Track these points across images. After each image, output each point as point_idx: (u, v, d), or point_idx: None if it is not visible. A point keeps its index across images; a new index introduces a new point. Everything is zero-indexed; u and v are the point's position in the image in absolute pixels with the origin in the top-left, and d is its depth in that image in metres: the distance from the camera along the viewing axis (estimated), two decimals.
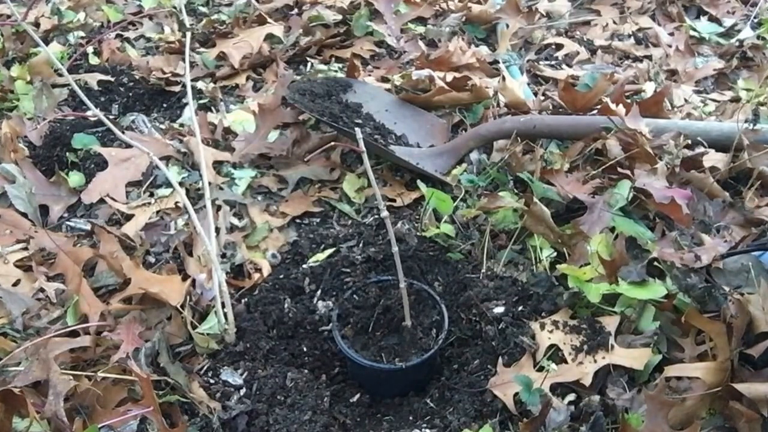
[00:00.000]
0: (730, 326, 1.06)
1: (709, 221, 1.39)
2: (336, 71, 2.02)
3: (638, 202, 1.38)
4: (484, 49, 2.10)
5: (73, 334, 1.18)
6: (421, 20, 2.29)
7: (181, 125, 1.81)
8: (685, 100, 1.89)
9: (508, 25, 2.19)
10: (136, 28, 2.32)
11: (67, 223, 1.53)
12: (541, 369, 1.11)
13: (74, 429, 1.03)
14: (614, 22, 2.33)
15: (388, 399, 1.20)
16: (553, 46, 2.20)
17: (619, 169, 1.42)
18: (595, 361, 1.11)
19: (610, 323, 1.16)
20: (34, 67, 1.97)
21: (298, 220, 1.54)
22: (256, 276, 1.37)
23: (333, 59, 2.10)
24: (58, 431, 1.02)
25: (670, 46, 2.19)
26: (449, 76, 1.82)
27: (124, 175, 1.59)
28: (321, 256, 1.40)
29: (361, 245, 1.44)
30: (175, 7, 2.36)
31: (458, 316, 1.26)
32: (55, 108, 1.85)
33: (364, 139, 1.14)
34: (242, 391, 1.15)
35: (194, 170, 1.62)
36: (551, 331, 1.17)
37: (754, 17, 2.32)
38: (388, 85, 1.89)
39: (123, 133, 1.60)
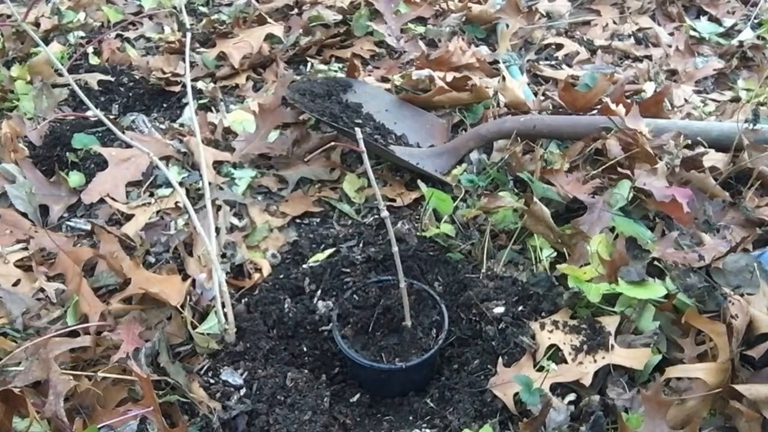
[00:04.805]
0: (730, 326, 1.06)
1: (710, 221, 1.39)
2: (336, 71, 2.02)
3: (638, 202, 1.38)
4: (484, 49, 2.10)
5: (73, 334, 1.18)
6: (421, 20, 2.30)
7: (181, 125, 1.81)
8: (685, 100, 1.89)
9: (508, 25, 2.19)
10: (136, 28, 2.32)
11: (67, 223, 1.53)
12: (541, 369, 1.11)
13: (74, 429, 1.03)
14: (614, 22, 2.34)
15: (388, 399, 1.21)
16: (553, 46, 2.20)
17: (619, 169, 1.42)
18: (595, 361, 1.12)
19: (610, 323, 1.16)
20: (34, 67, 1.97)
21: (298, 220, 1.54)
22: (256, 276, 1.36)
23: (333, 59, 2.10)
24: (58, 431, 1.02)
25: (670, 46, 2.19)
26: (449, 76, 1.82)
27: (124, 175, 1.59)
28: (321, 256, 1.40)
29: (361, 245, 1.44)
30: (175, 7, 2.36)
31: (458, 316, 1.26)
32: (55, 108, 1.85)
33: (364, 139, 1.14)
34: (242, 391, 1.15)
35: (194, 170, 1.62)
36: (551, 331, 1.17)
37: (754, 17, 2.33)
38: (388, 85, 1.89)
39: (123, 133, 1.60)
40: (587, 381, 1.09)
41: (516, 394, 1.09)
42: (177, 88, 1.95)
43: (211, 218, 1.22)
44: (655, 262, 1.25)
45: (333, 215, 1.55)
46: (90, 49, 2.10)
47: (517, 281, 1.29)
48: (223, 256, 1.38)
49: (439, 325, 1.19)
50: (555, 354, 1.14)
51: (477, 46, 2.13)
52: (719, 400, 1.04)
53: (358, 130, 1.07)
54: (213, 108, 1.89)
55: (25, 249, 1.42)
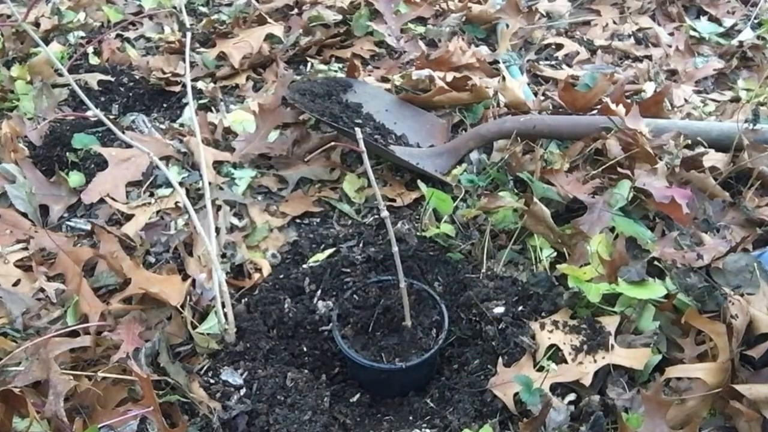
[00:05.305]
0: (730, 326, 1.06)
1: (710, 221, 1.39)
2: (336, 71, 2.02)
3: (638, 202, 1.38)
4: (484, 49, 2.10)
5: (73, 334, 1.18)
6: (421, 20, 2.30)
7: (181, 125, 1.81)
8: (685, 100, 1.89)
9: (508, 25, 2.19)
10: (136, 28, 2.32)
11: (67, 223, 1.53)
12: (541, 369, 1.11)
13: (74, 429, 1.03)
14: (614, 22, 2.34)
15: (388, 399, 1.21)
16: (553, 46, 2.20)
17: (619, 169, 1.42)
18: (595, 361, 1.12)
19: (610, 323, 1.16)
20: (34, 67, 1.97)
21: (298, 220, 1.54)
22: (256, 276, 1.36)
23: (333, 59, 2.10)
24: (58, 431, 1.02)
25: (670, 46, 2.19)
26: (449, 76, 1.82)
27: (124, 175, 1.59)
28: (321, 256, 1.40)
29: (361, 245, 1.44)
30: (175, 7, 2.36)
31: (458, 316, 1.26)
32: (55, 108, 1.85)
33: (364, 139, 1.14)
34: (242, 391, 1.15)
35: (194, 170, 1.62)
36: (551, 331, 1.17)
37: (754, 17, 2.33)
38: (388, 85, 1.89)
39: (123, 133, 1.60)
40: (587, 381, 1.09)
41: (516, 394, 1.09)
42: (177, 88, 1.95)
43: (211, 218, 1.22)
44: (655, 262, 1.25)
45: (333, 215, 1.55)
46: (90, 49, 2.10)
47: (517, 281, 1.29)
48: (223, 256, 1.38)
49: (439, 325, 1.19)
50: (555, 354, 1.14)
51: (477, 46, 2.13)
52: (719, 400, 1.04)
53: (358, 130, 1.07)
54: (213, 108, 1.89)
55: (25, 249, 1.42)
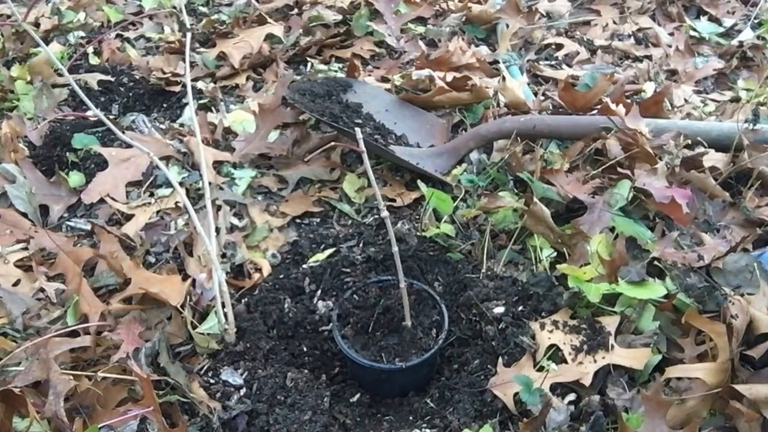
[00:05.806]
0: (730, 326, 1.06)
1: (710, 221, 1.39)
2: (336, 71, 2.02)
3: (638, 202, 1.38)
4: (484, 49, 2.10)
5: (73, 334, 1.18)
6: (421, 20, 2.30)
7: (181, 125, 1.81)
8: (685, 100, 1.89)
9: (508, 25, 2.19)
10: (136, 28, 2.32)
11: (67, 223, 1.53)
12: (541, 369, 1.11)
13: (74, 429, 1.03)
14: (614, 22, 2.34)
15: (388, 399, 1.21)
16: (553, 46, 2.20)
17: (619, 169, 1.42)
18: (595, 361, 1.12)
19: (610, 323, 1.16)
20: (34, 67, 1.97)
21: (298, 220, 1.54)
22: (256, 276, 1.37)
23: (333, 59, 2.10)
24: (58, 431, 1.02)
25: (670, 46, 2.19)
26: (449, 76, 1.82)
27: (124, 175, 1.59)
28: (321, 256, 1.40)
29: (361, 245, 1.44)
30: (175, 7, 2.36)
31: (458, 316, 1.26)
32: (55, 108, 1.85)
33: (364, 139, 1.14)
34: (242, 391, 1.15)
35: (194, 170, 1.62)
36: (551, 331, 1.17)
37: (754, 17, 2.33)
38: (388, 85, 1.89)
39: (123, 133, 1.60)
40: (587, 381, 1.09)
41: (516, 394, 1.09)
42: (177, 88, 1.95)
43: (211, 218, 1.22)
44: (655, 262, 1.25)
45: (333, 215, 1.55)
46: (90, 49, 2.10)
47: (517, 281, 1.29)
48: (223, 256, 1.38)
49: (439, 325, 1.19)
50: (555, 354, 1.14)
51: (477, 46, 2.13)
52: (719, 400, 1.04)
53: (358, 130, 1.07)
54: (213, 108, 1.89)
55: (25, 249, 1.42)
